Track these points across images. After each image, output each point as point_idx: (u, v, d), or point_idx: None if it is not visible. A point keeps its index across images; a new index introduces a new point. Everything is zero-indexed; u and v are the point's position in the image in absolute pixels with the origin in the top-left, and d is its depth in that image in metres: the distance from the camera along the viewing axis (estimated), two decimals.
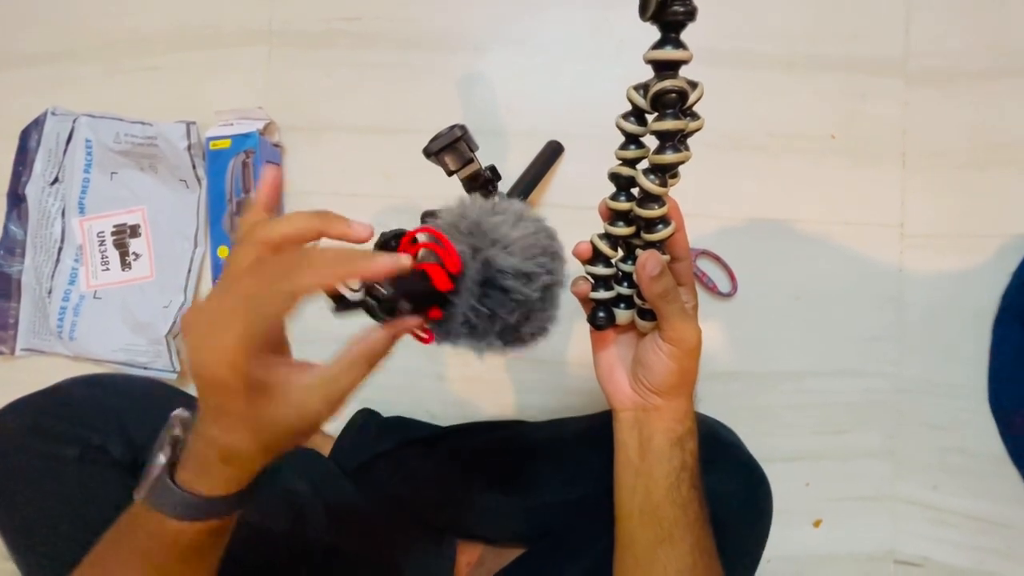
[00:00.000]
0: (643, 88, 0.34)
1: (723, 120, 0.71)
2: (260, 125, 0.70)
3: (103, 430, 0.46)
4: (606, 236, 0.39)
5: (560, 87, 0.73)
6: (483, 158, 0.53)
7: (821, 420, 0.70)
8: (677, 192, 0.72)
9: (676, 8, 0.32)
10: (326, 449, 0.66)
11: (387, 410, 0.71)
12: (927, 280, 0.70)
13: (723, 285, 0.70)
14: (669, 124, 0.33)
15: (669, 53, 0.33)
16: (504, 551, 0.58)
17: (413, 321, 0.33)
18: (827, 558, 0.69)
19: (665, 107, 0.33)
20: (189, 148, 0.71)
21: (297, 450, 0.60)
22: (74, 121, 0.73)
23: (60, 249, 0.74)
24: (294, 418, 0.29)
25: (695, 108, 0.35)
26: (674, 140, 0.34)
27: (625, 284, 0.39)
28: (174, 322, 0.72)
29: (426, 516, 0.59)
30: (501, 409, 0.72)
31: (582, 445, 0.57)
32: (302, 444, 0.31)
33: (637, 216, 0.36)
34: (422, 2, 0.74)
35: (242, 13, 0.76)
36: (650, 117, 0.35)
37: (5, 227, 0.75)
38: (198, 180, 0.72)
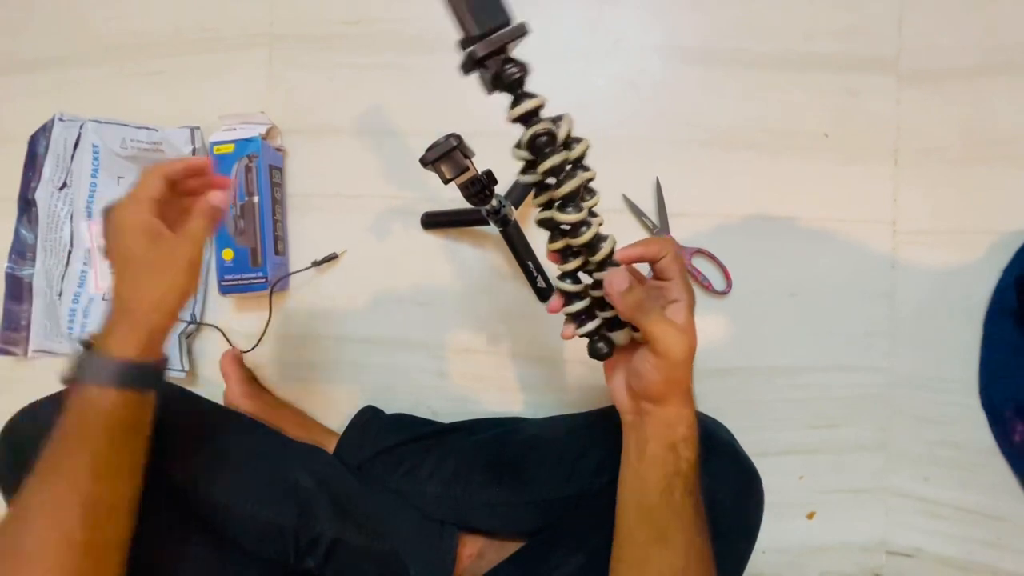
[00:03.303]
0: (519, 144, 0.38)
1: (716, 118, 0.72)
2: (263, 129, 0.72)
3: None
4: (564, 275, 0.41)
5: (556, 87, 0.74)
6: (482, 160, 0.54)
7: (814, 414, 0.71)
8: (677, 192, 0.73)
9: (510, 71, 0.35)
10: (331, 446, 0.67)
11: (390, 407, 0.72)
12: (919, 276, 0.71)
13: (718, 283, 0.71)
14: (550, 162, 0.36)
15: (524, 107, 0.36)
16: (504, 544, 0.59)
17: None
18: (820, 549, 0.71)
19: (542, 149, 0.36)
20: (193, 153, 0.72)
21: (303, 447, 0.61)
22: (81, 127, 0.75)
23: (69, 252, 0.75)
24: (170, 250, 0.41)
25: (574, 134, 0.38)
26: (564, 171, 0.37)
27: (608, 308, 0.41)
28: (185, 324, 0.74)
29: (428, 510, 0.60)
30: (501, 406, 0.73)
31: (580, 440, 0.58)
32: (181, 290, 0.41)
33: (577, 246, 0.39)
34: (421, 4, 0.75)
35: (243, 17, 0.77)
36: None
37: (16, 231, 0.77)
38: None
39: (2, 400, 0.51)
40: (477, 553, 0.60)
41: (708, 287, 0.71)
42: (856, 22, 0.72)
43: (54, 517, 0.37)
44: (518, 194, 0.67)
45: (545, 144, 0.36)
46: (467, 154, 0.52)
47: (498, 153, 0.75)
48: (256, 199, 0.70)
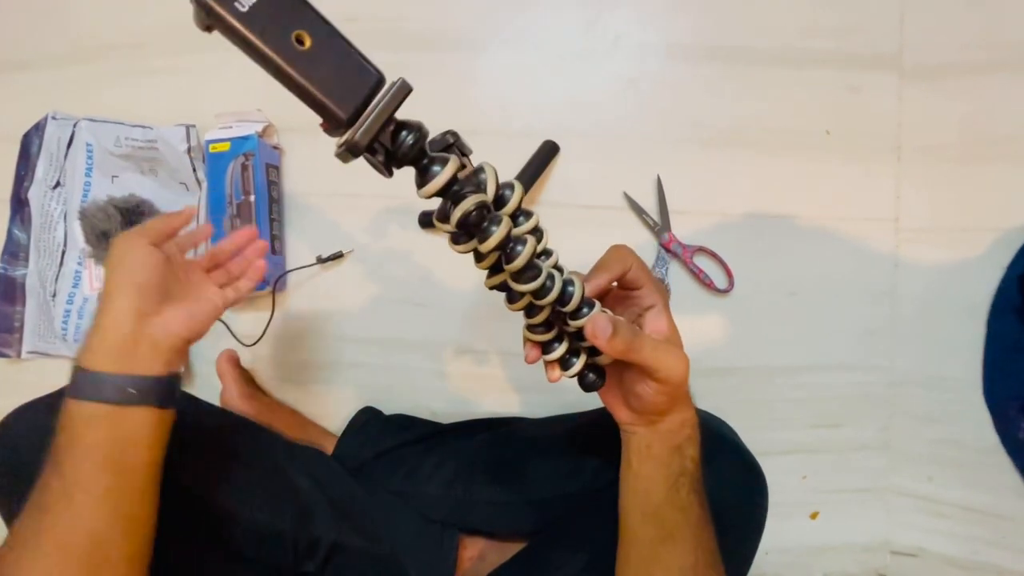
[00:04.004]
0: (439, 216, 0.31)
1: (717, 116, 0.72)
2: (259, 127, 0.71)
3: None
4: (533, 327, 0.37)
5: (556, 85, 0.73)
6: (479, 159, 0.54)
7: (817, 414, 0.71)
8: (677, 189, 0.73)
9: (405, 141, 0.28)
10: (329, 447, 0.67)
11: (389, 408, 0.72)
12: (922, 274, 0.70)
13: (720, 281, 0.71)
14: (494, 240, 0.30)
15: (439, 180, 0.29)
16: (505, 545, 0.59)
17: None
18: (824, 549, 0.70)
19: (477, 225, 0.30)
20: (189, 151, 0.72)
21: (301, 448, 0.61)
22: (75, 125, 0.74)
23: (63, 252, 0.75)
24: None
25: (500, 181, 0.32)
26: (511, 240, 0.31)
27: (583, 339, 0.37)
28: None
29: (428, 511, 0.60)
30: (501, 406, 0.73)
31: (580, 440, 0.58)
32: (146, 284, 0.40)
33: (539, 304, 0.35)
34: (418, 3, 0.74)
35: None
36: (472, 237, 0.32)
37: (9, 231, 0.76)
38: (198, 183, 0.73)
39: None
40: (478, 555, 0.59)
41: (710, 285, 0.70)
42: (857, 19, 0.72)
43: (58, 556, 0.35)
44: None
45: (479, 220, 0.30)
46: (464, 151, 0.51)
47: (496, 151, 0.75)
48: (252, 198, 0.70)
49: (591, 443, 0.56)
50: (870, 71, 0.72)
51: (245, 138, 0.69)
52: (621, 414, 0.40)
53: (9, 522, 0.46)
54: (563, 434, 0.60)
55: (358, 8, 0.75)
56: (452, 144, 0.50)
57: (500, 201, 0.32)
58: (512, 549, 0.56)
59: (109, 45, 0.77)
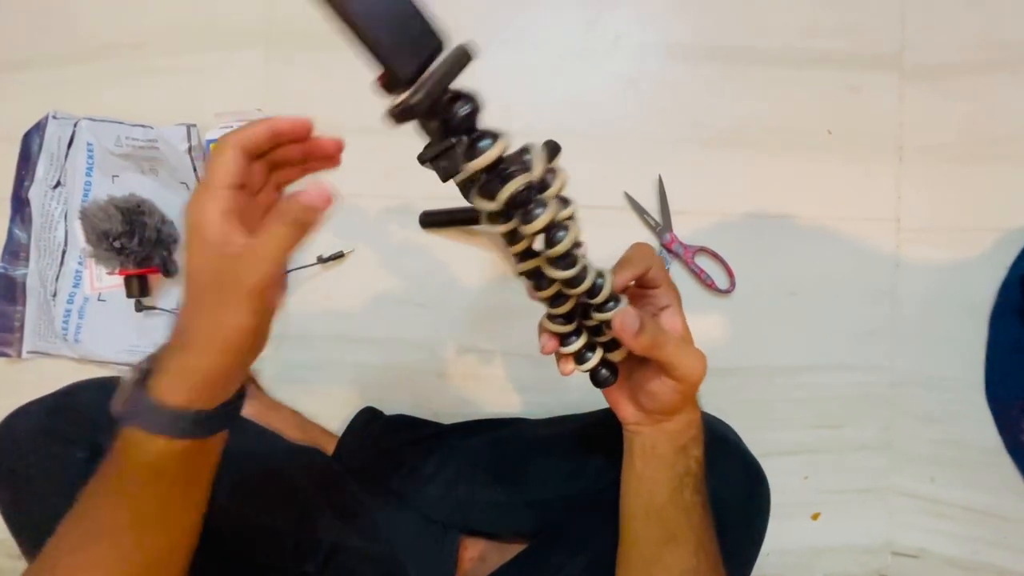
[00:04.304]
0: (486, 192, 0.30)
1: (718, 116, 0.72)
2: None
3: (111, 433, 0.47)
4: (554, 317, 0.37)
5: (556, 85, 0.73)
6: None
7: (818, 414, 0.71)
8: (678, 189, 0.73)
9: (459, 111, 0.27)
10: (330, 448, 0.67)
11: (390, 409, 0.71)
12: (923, 274, 0.70)
13: (721, 282, 0.71)
14: (540, 223, 0.30)
15: (490, 155, 0.28)
16: (506, 546, 0.59)
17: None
18: (825, 550, 0.70)
19: (524, 205, 0.29)
20: (190, 151, 0.72)
21: (302, 448, 0.61)
22: (75, 125, 0.74)
23: (64, 252, 0.74)
24: (235, 275, 0.29)
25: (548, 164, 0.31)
26: (556, 226, 0.31)
27: (602, 333, 0.38)
28: None
29: (429, 512, 0.60)
30: (502, 407, 0.73)
31: (582, 441, 0.58)
32: (249, 329, 0.30)
33: (569, 294, 0.34)
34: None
35: (239, 14, 0.76)
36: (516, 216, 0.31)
37: (9, 231, 0.76)
38: (199, 182, 0.73)
39: None
40: (479, 556, 0.59)
41: (711, 285, 0.70)
42: (858, 19, 0.72)
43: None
44: None
45: (526, 200, 0.29)
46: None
47: None
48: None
49: (593, 444, 0.56)
50: (871, 71, 0.71)
51: None
52: (627, 413, 0.40)
53: (8, 521, 0.46)
54: (564, 435, 0.60)
55: None
56: (454, 144, 0.49)
57: (542, 185, 0.31)
58: (513, 550, 0.56)
59: (110, 44, 0.77)
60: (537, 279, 0.35)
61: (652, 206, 0.71)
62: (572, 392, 0.72)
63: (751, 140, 0.72)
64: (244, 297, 0.29)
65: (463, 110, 0.27)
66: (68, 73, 0.78)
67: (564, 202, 0.32)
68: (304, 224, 0.31)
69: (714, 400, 0.70)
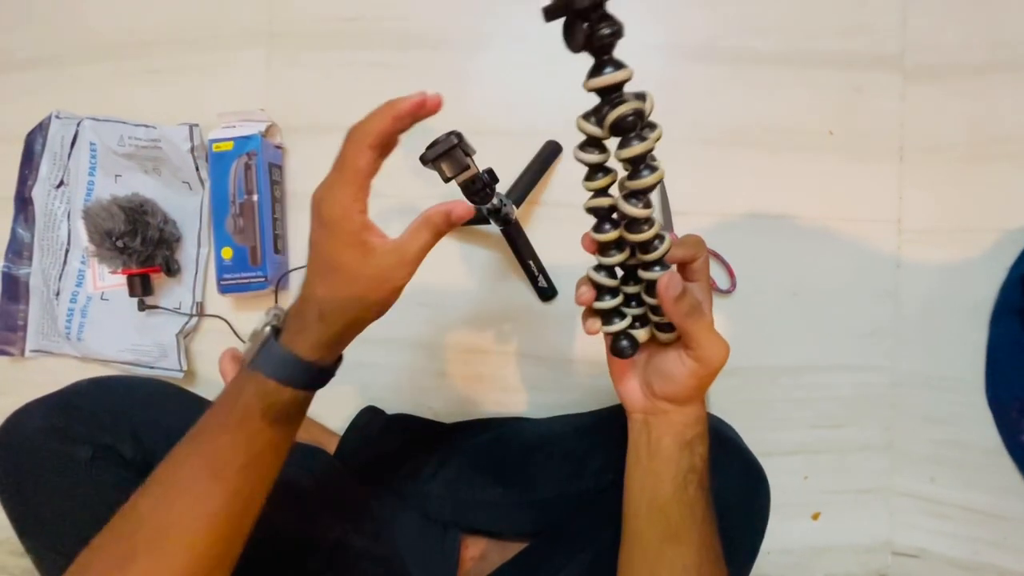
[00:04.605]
0: (594, 116, 0.33)
1: (720, 116, 0.72)
2: (262, 127, 0.71)
3: (114, 431, 0.47)
4: (601, 268, 0.37)
5: (558, 84, 0.73)
6: (483, 157, 0.54)
7: (819, 414, 0.71)
8: (679, 190, 0.73)
9: (603, 31, 0.29)
10: (331, 447, 0.67)
11: (391, 408, 0.72)
12: (924, 275, 0.70)
13: (722, 282, 0.71)
14: (639, 148, 0.32)
15: (612, 77, 0.31)
16: (507, 545, 0.59)
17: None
18: (825, 550, 0.70)
19: (627, 131, 0.32)
20: (192, 150, 0.72)
21: (303, 447, 0.61)
22: (78, 124, 0.74)
23: (67, 251, 0.75)
24: (378, 271, 0.34)
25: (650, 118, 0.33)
26: (645, 161, 0.33)
27: (633, 304, 0.39)
28: (184, 322, 0.73)
29: (430, 511, 0.60)
30: (503, 406, 0.73)
31: (583, 440, 0.58)
32: (381, 310, 0.36)
33: (629, 240, 0.36)
34: (420, 2, 0.74)
35: (241, 14, 0.76)
36: (608, 142, 0.34)
37: (12, 230, 0.76)
38: (201, 182, 0.73)
39: None
40: (480, 555, 0.59)
41: (712, 286, 0.70)
42: (860, 19, 0.72)
43: (196, 496, 0.34)
44: (519, 192, 0.66)
45: (632, 126, 0.31)
46: (468, 152, 0.51)
47: (500, 151, 0.75)
48: (255, 197, 0.70)
49: (594, 444, 0.56)
50: (873, 71, 0.71)
51: (248, 137, 0.70)
52: (635, 398, 0.40)
53: (12, 519, 0.46)
54: (565, 435, 0.60)
55: (360, 7, 0.75)
56: (456, 145, 0.50)
57: (647, 129, 0.33)
58: (514, 549, 0.56)
59: (113, 45, 0.78)
60: (603, 220, 0.36)
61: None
62: (573, 392, 0.72)
63: (752, 140, 0.72)
64: (390, 291, 0.35)
65: (608, 29, 0.29)
66: (71, 73, 0.78)
67: (652, 159, 0.34)
68: (443, 233, 0.37)
69: (716, 400, 0.70)
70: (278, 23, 0.76)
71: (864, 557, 0.70)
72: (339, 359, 0.38)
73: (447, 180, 0.51)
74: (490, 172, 0.54)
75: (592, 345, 0.70)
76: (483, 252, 0.73)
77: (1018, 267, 0.67)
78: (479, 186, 0.53)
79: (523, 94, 0.74)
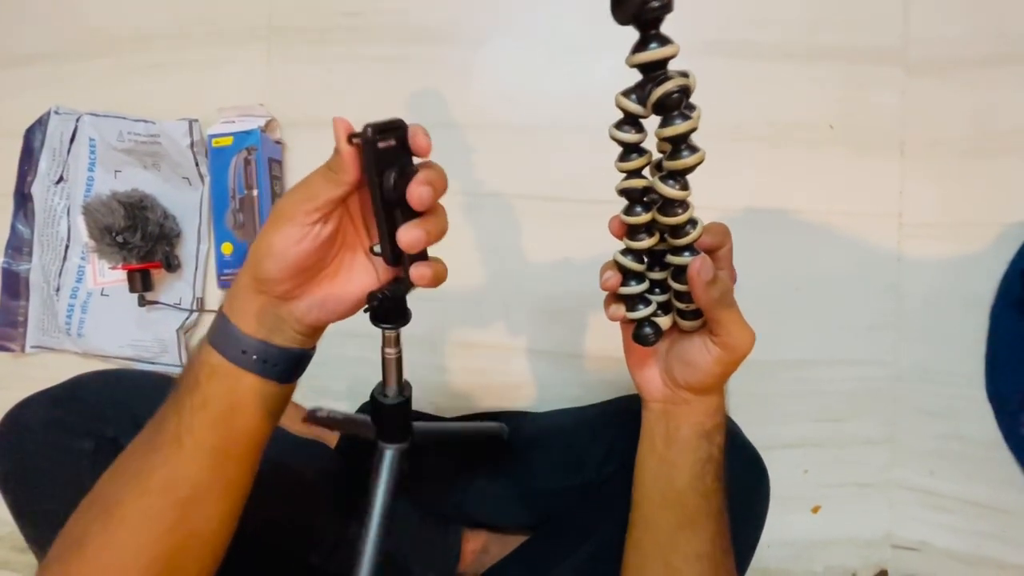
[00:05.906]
0: (635, 93, 0.32)
1: (721, 110, 0.71)
2: (262, 122, 0.71)
3: (116, 423, 0.47)
4: (629, 252, 0.36)
5: (558, 79, 0.73)
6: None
7: (820, 408, 0.71)
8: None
9: (653, 4, 0.28)
10: (333, 442, 0.67)
11: None
12: (925, 269, 0.70)
13: None
14: (683, 127, 0.31)
15: (659, 52, 0.30)
16: (508, 538, 0.59)
17: None
18: (826, 543, 0.70)
19: (671, 109, 0.31)
20: (192, 146, 0.72)
21: (305, 441, 0.61)
22: (77, 120, 0.74)
23: (67, 247, 0.75)
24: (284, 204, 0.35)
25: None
26: (687, 141, 0.32)
27: (658, 291, 0.38)
28: (185, 318, 0.73)
29: (431, 505, 0.60)
30: (503, 401, 0.73)
31: (584, 433, 0.58)
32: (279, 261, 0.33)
33: (661, 223, 0.35)
34: None
35: (241, 10, 0.76)
36: (646, 121, 0.33)
37: (12, 226, 0.76)
38: (201, 177, 0.73)
39: None
40: (481, 548, 0.59)
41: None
42: (862, 13, 0.72)
43: (160, 497, 0.34)
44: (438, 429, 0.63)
45: (677, 104, 0.31)
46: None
47: (498, 146, 0.75)
48: (255, 192, 0.70)
49: (595, 436, 0.56)
50: (874, 65, 0.71)
51: (248, 133, 0.69)
52: (654, 387, 0.40)
53: (15, 514, 0.46)
54: (566, 427, 0.60)
55: (360, 2, 0.75)
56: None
57: (690, 109, 0.32)
58: (515, 542, 0.56)
59: (112, 40, 0.77)
60: (637, 202, 0.35)
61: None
62: (573, 386, 0.72)
63: (754, 135, 0.71)
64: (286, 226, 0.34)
65: (658, 2, 0.28)
66: (70, 68, 0.78)
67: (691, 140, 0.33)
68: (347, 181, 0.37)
69: None
70: (278, 17, 0.76)
71: (864, 550, 0.70)
72: (290, 352, 0.35)
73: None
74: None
75: (594, 340, 0.70)
76: (484, 247, 0.73)
77: (1019, 261, 0.67)
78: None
79: (523, 88, 0.74)
